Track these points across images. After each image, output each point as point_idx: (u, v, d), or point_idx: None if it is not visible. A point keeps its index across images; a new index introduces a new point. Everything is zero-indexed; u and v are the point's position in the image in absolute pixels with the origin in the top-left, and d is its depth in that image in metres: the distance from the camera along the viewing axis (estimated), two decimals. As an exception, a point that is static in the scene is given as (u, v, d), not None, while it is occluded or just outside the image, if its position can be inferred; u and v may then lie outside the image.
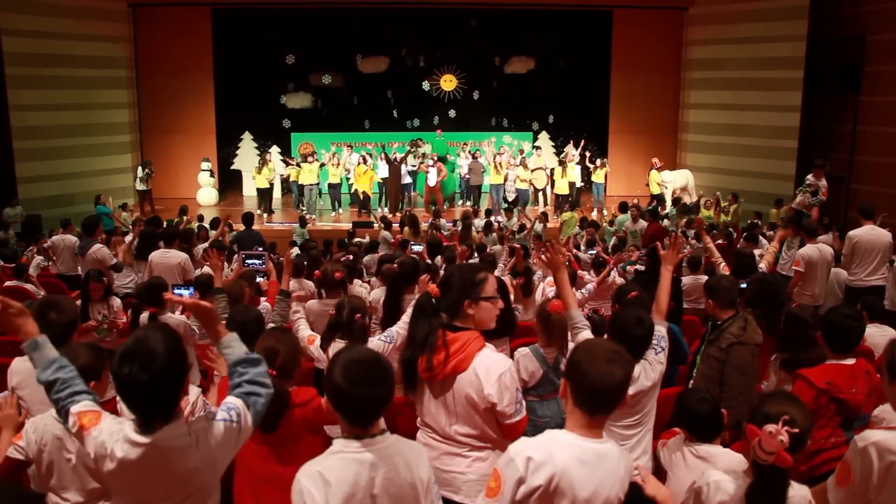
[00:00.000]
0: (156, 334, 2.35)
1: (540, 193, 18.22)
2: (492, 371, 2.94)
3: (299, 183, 17.52)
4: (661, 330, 3.75)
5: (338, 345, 4.45)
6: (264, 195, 17.96)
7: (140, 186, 17.82)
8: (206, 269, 7.86)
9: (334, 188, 17.78)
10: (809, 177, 11.02)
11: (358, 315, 4.37)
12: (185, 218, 14.23)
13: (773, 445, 2.25)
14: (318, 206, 17.53)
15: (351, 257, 9.60)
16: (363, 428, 2.37)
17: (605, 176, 17.69)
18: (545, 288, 7.08)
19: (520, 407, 3.01)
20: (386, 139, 19.75)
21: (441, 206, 16.57)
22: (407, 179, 17.76)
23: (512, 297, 6.21)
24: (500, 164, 17.42)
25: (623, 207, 14.18)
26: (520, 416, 3.01)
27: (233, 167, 20.80)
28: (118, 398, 3.18)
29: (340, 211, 17.84)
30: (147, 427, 2.32)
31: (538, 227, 13.75)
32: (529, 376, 4.39)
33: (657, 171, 17.75)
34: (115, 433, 2.34)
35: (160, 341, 2.31)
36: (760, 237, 11.61)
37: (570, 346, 4.78)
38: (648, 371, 3.59)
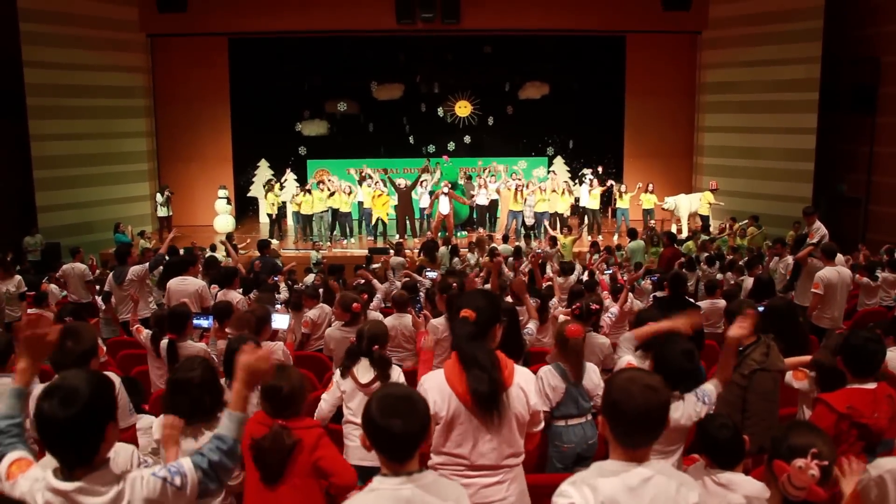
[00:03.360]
0: (82, 374, 2.31)
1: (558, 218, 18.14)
2: (530, 382, 3.14)
3: (302, 213, 17.58)
4: (710, 389, 3.74)
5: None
6: (272, 221, 18.11)
7: (162, 212, 17.91)
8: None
9: (345, 216, 17.83)
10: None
11: (376, 346, 4.49)
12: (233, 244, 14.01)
13: (804, 480, 2.21)
14: (326, 232, 17.57)
15: (363, 282, 9.62)
16: (399, 463, 2.38)
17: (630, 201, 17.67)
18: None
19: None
20: (401, 165, 19.83)
21: (450, 234, 16.56)
22: (424, 204, 17.78)
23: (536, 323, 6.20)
24: (521, 190, 17.39)
25: (632, 234, 14.08)
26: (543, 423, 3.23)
27: (249, 194, 20.98)
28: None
29: (352, 241, 17.86)
30: (69, 474, 2.24)
31: (547, 249, 13.72)
32: (552, 391, 4.46)
33: (711, 191, 17.71)
34: (38, 480, 2.26)
35: (85, 380, 2.26)
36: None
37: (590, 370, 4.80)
38: (686, 413, 3.62)
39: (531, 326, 5.93)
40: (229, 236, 14.94)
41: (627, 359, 3.96)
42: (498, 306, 3.19)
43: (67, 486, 2.21)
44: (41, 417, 2.21)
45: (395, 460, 2.38)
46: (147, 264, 8.64)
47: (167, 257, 9.23)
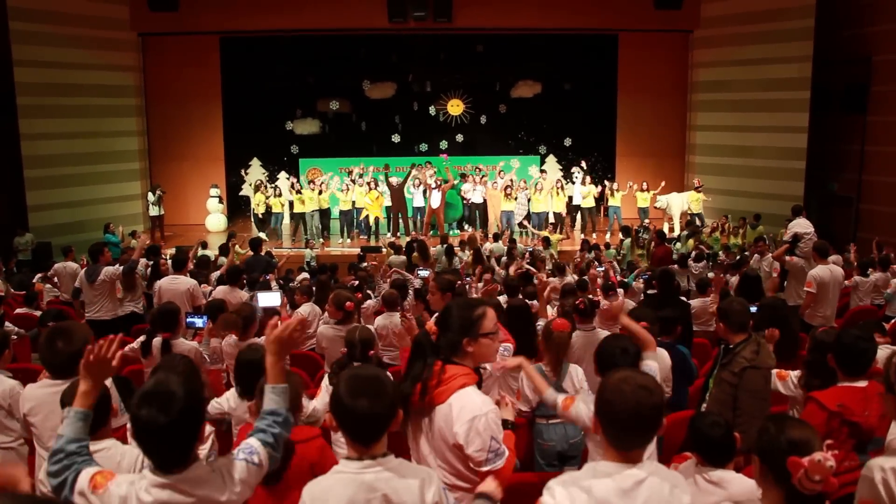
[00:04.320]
0: (176, 377, 2.37)
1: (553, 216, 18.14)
2: (465, 411, 2.74)
3: (294, 211, 17.54)
4: (651, 364, 3.73)
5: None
6: (260, 220, 18.09)
7: (153, 212, 17.81)
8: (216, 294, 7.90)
9: (345, 214, 17.80)
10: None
11: (371, 352, 4.60)
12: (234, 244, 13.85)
13: (824, 472, 2.23)
14: (317, 231, 17.55)
15: (357, 282, 9.62)
16: (364, 446, 2.38)
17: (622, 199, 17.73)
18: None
19: (493, 457, 2.74)
20: (394, 164, 19.82)
21: (441, 230, 16.54)
22: (418, 202, 17.74)
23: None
24: (510, 191, 17.37)
25: (626, 232, 14.09)
26: (494, 465, 2.74)
27: (241, 193, 20.94)
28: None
29: (350, 241, 17.81)
30: (165, 474, 2.31)
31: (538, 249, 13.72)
32: (532, 391, 4.50)
33: (696, 191, 17.77)
34: (136, 481, 2.32)
35: (180, 384, 2.31)
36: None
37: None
38: None
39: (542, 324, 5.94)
40: (231, 236, 14.85)
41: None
42: (469, 321, 2.90)
43: (174, 477, 2.30)
44: (140, 424, 2.26)
45: (361, 442, 2.38)
46: (120, 267, 8.29)
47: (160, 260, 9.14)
